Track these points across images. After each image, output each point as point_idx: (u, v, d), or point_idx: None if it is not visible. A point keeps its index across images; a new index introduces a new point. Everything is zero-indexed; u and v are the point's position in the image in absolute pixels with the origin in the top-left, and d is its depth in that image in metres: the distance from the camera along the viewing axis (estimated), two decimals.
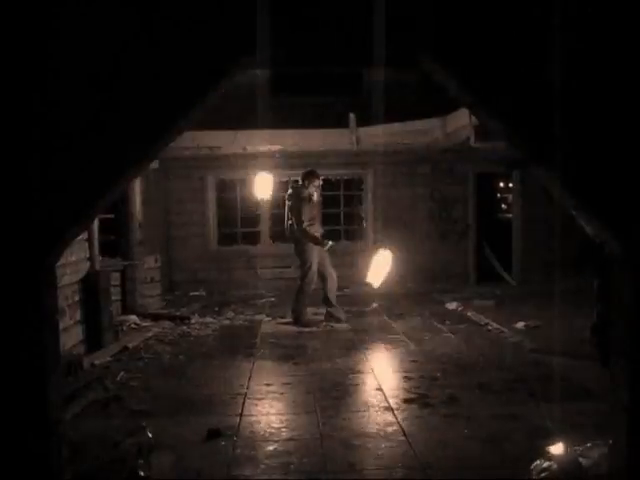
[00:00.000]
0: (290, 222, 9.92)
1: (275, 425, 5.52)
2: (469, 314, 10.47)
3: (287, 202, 10.09)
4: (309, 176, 9.92)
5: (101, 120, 3.03)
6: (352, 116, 11.73)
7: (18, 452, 3.06)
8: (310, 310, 10.13)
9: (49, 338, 3.10)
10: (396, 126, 11.56)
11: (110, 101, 3.02)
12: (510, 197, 15.20)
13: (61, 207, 2.99)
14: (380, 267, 9.73)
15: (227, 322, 10.28)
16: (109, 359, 7.74)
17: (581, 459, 4.07)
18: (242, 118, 12.03)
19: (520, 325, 9.18)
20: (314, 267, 9.76)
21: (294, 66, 3.84)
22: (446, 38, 3.12)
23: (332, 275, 9.88)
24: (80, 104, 3.02)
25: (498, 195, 17.50)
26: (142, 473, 4.32)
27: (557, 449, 4.32)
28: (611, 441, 3.63)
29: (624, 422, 3.38)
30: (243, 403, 6.11)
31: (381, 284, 9.97)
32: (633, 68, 3.12)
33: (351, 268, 10.76)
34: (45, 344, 3.03)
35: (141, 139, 3.08)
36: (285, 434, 5.29)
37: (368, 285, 10.23)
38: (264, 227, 13.67)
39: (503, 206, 17.63)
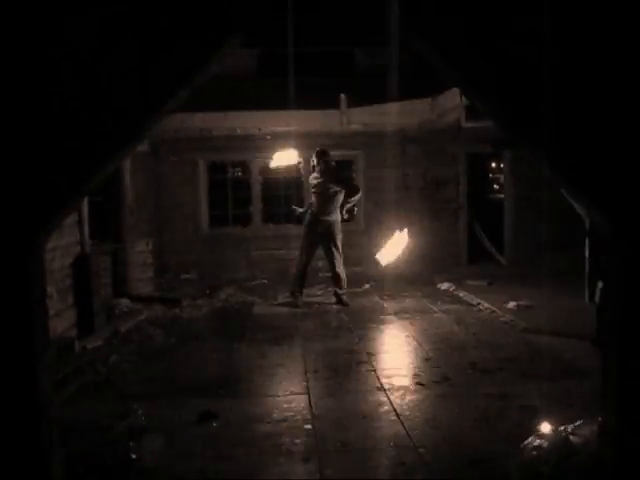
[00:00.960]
0: None
1: (267, 406, 5.54)
2: (461, 294, 10.51)
3: None
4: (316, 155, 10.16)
5: (88, 102, 3.00)
6: (343, 97, 11.70)
7: (8, 436, 3.06)
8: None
9: (38, 322, 3.08)
10: (387, 107, 11.53)
11: (97, 82, 2.99)
12: (501, 177, 15.20)
13: (48, 189, 2.97)
14: (393, 248, 9.78)
15: (219, 304, 10.28)
16: (101, 343, 7.71)
17: (571, 437, 4.09)
18: (232, 100, 11.99)
19: (512, 305, 9.21)
20: (303, 248, 9.86)
21: (285, 46, 3.80)
22: (433, 17, 3.09)
23: (330, 258, 9.95)
24: (67, 84, 2.98)
25: (490, 175, 17.52)
26: (134, 456, 4.32)
27: (548, 427, 4.34)
28: (601, 419, 3.65)
29: (614, 400, 3.39)
30: (235, 385, 6.12)
31: (389, 264, 10.02)
32: (619, 48, 3.10)
33: (344, 249, 10.72)
34: (33, 328, 3.02)
35: (129, 121, 3.05)
36: (277, 415, 5.30)
37: (376, 262, 10.24)
38: (256, 209, 13.63)
39: (495, 186, 17.66)
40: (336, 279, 10.00)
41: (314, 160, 10.09)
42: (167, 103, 3.19)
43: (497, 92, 3.19)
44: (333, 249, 9.89)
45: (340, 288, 10.00)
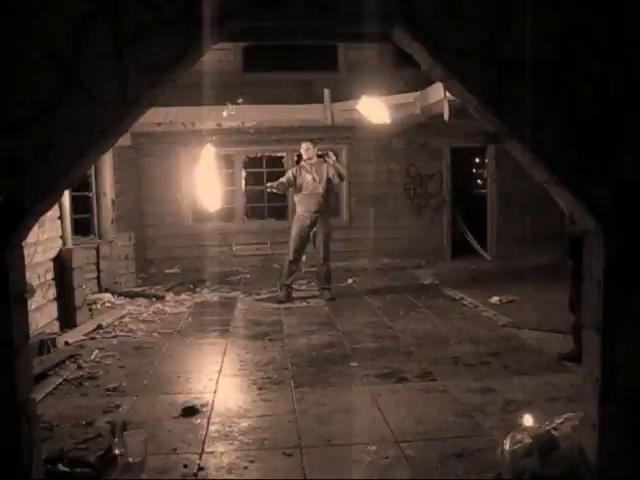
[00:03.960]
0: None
1: (250, 401, 5.52)
2: (444, 289, 10.53)
3: None
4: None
5: (63, 94, 2.96)
6: (327, 91, 11.66)
7: None
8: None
9: (17, 316, 3.05)
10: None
11: (72, 73, 2.95)
12: (485, 172, 15.24)
13: (25, 183, 2.94)
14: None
15: (202, 299, 10.25)
16: (83, 337, 7.68)
17: (554, 432, 4.11)
18: (216, 95, 11.93)
19: (494, 300, 9.24)
20: (291, 242, 9.81)
21: (265, 39, 3.77)
22: (418, 10, 3.08)
23: (319, 252, 9.91)
24: (39, 76, 2.94)
25: (473, 170, 17.55)
26: (116, 451, 4.30)
27: (530, 422, 4.36)
28: (583, 414, 3.67)
29: (595, 395, 3.40)
30: (218, 380, 6.10)
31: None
32: (607, 42, 3.10)
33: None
34: (12, 324, 2.98)
35: (107, 113, 3.02)
36: (260, 410, 5.29)
37: None
38: (239, 204, 13.60)
39: (478, 181, 17.69)
40: (323, 273, 9.96)
41: (309, 152, 9.95)
42: (146, 97, 3.16)
43: (483, 87, 3.19)
44: (324, 242, 9.84)
45: (326, 283, 9.98)
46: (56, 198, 3.40)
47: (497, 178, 13.52)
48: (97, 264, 10.49)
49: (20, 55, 2.93)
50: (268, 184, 10.29)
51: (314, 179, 9.78)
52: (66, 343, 7.30)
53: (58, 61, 2.95)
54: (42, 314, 7.28)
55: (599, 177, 3.19)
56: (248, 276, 12.35)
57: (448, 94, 9.31)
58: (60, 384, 6.01)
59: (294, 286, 10.24)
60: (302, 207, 9.83)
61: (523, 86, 3.05)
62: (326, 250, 9.88)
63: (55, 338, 7.18)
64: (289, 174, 9.98)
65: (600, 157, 3.18)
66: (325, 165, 9.86)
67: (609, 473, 3.37)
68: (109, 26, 2.95)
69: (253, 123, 12.30)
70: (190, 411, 5.21)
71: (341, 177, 9.93)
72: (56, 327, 7.73)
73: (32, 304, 6.53)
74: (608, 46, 3.12)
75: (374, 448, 4.50)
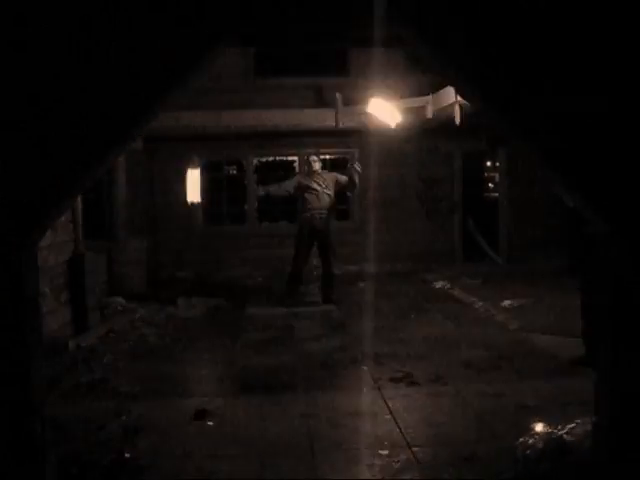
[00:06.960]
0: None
1: (262, 405, 5.52)
2: (455, 293, 10.51)
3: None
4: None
5: (78, 99, 2.98)
6: (338, 96, 11.69)
7: (1, 436, 3.04)
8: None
9: (30, 320, 3.06)
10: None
11: (88, 78, 2.97)
12: (496, 176, 15.20)
13: (40, 187, 2.95)
14: None
15: (214, 303, 10.26)
16: (95, 341, 7.70)
17: (565, 436, 4.10)
18: (228, 98, 11.99)
19: (506, 303, 9.21)
20: (301, 250, 9.79)
21: (279, 45, 3.79)
22: (430, 15, 3.08)
23: (327, 257, 9.91)
24: (55, 79, 2.96)
25: (485, 174, 17.51)
26: (128, 455, 4.32)
27: (542, 426, 4.35)
28: (595, 419, 3.65)
29: (608, 400, 3.39)
30: (229, 383, 6.11)
31: None
32: (614, 40, 3.09)
33: (338, 248, 10.73)
34: (26, 326, 3.00)
35: (121, 118, 3.03)
36: (271, 413, 5.29)
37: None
38: (251, 207, 13.62)
39: (490, 185, 17.65)
40: (329, 278, 9.96)
41: (315, 162, 10.04)
42: (160, 101, 3.17)
43: (495, 91, 3.18)
44: (328, 247, 9.86)
45: (332, 287, 9.96)
46: (71, 201, 3.42)
47: (508, 182, 13.47)
48: (109, 268, 10.51)
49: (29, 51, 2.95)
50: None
51: (322, 187, 9.83)
52: (78, 346, 7.32)
53: (73, 70, 2.97)
54: (55, 317, 7.30)
55: (612, 179, 3.17)
56: (260, 279, 12.35)
57: (459, 98, 9.31)
58: (72, 388, 6.03)
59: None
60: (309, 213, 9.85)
61: (532, 89, 3.04)
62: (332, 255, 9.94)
63: (67, 341, 7.21)
64: (296, 180, 10.11)
65: (614, 159, 3.16)
66: (332, 174, 10.15)
67: (622, 478, 3.35)
68: (122, 30, 2.96)
69: (264, 127, 12.33)
70: (202, 414, 5.22)
71: (354, 185, 10.02)
72: (68, 330, 7.75)
73: (44, 307, 6.55)
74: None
75: (386, 452, 4.50)
